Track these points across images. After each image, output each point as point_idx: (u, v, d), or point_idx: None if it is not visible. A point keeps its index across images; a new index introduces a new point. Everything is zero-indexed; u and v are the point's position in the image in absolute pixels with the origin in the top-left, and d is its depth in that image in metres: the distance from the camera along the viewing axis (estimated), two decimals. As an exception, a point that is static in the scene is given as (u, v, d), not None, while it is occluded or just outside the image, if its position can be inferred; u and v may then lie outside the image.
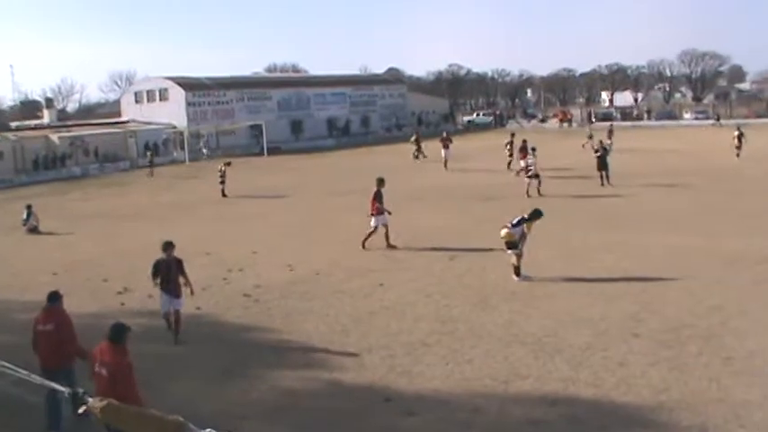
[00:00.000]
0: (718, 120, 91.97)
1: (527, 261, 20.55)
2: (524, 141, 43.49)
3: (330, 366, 14.82)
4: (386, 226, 25.55)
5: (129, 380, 10.18)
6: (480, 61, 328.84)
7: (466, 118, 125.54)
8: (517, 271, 20.37)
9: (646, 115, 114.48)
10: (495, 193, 36.38)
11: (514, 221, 20.45)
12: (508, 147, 49.12)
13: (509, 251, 20.44)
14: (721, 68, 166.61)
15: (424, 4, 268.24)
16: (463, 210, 32.93)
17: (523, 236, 20.41)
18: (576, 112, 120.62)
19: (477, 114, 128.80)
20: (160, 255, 16.74)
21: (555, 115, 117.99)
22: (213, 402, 13.15)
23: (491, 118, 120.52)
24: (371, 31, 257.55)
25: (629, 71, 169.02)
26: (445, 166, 50.14)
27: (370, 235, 25.57)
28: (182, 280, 16.70)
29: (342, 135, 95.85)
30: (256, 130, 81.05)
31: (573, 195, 36.10)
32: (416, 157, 58.61)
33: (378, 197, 25.54)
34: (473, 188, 39.92)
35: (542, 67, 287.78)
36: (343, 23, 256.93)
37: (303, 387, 13.95)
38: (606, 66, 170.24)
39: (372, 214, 25.58)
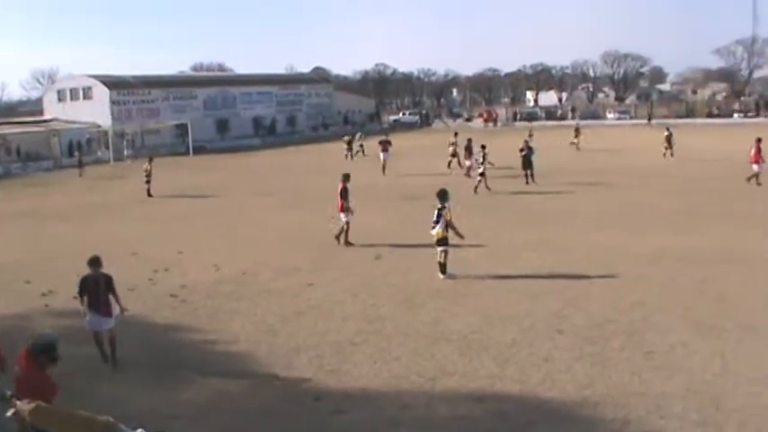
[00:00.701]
0: (649, 120, 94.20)
1: (452, 259, 20.73)
2: (469, 141, 43.84)
3: (258, 366, 14.80)
4: (347, 223, 25.64)
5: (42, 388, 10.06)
6: (406, 61, 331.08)
7: (392, 117, 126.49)
8: (443, 269, 20.53)
9: (570, 114, 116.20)
10: (422, 192, 36.41)
11: (434, 218, 20.61)
12: (452, 146, 49.36)
13: (439, 248, 20.58)
14: (643, 69, 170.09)
15: (350, 3, 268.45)
16: (390, 209, 33.06)
17: (449, 224, 20.55)
18: (501, 111, 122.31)
19: (403, 114, 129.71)
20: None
21: (480, 115, 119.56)
22: (142, 403, 13.04)
23: (417, 117, 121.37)
24: (298, 31, 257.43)
25: (553, 71, 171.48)
26: (383, 170, 47.96)
27: (345, 232, 25.62)
28: (112, 299, 15.17)
29: (268, 134, 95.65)
30: (182, 129, 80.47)
31: (499, 194, 36.48)
32: (351, 157, 58.65)
33: (344, 194, 25.60)
34: (402, 188, 40.06)
35: (468, 67, 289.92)
36: (270, 23, 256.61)
37: (232, 387, 13.92)
38: (531, 66, 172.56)
39: (341, 211, 25.62)
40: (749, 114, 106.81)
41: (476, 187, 36.98)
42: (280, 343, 16.01)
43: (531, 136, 59.38)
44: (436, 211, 20.58)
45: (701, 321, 16.07)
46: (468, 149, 42.99)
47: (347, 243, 25.55)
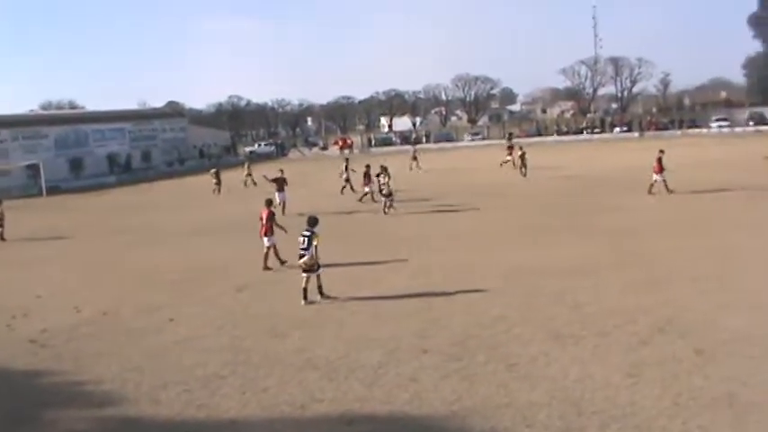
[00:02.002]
0: (510, 139, 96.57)
1: (313, 286, 20.82)
2: (367, 167, 44.62)
3: (125, 405, 14.53)
4: (274, 246, 26.06)
5: None
6: (260, 92, 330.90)
7: (248, 149, 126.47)
8: (305, 294, 20.65)
9: (424, 138, 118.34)
10: (284, 222, 36.55)
11: (304, 245, 20.68)
12: (344, 172, 49.87)
13: (306, 273, 20.65)
14: (493, 91, 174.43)
15: (200, 37, 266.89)
16: (248, 241, 32.84)
17: (316, 250, 20.71)
18: (356, 138, 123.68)
19: (259, 145, 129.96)
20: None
21: (335, 142, 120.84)
22: (3, 453, 12.73)
23: (273, 148, 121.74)
24: (149, 65, 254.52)
25: (406, 96, 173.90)
26: (283, 211, 38.88)
27: (267, 255, 25.96)
28: None
29: (123, 171, 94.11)
30: (33, 169, 78.34)
31: (356, 219, 36.77)
32: (219, 191, 57.98)
33: (271, 218, 26.05)
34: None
35: (322, 96, 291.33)
36: (120, 58, 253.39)
37: (98, 428, 13.65)
38: (384, 92, 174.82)
39: (265, 235, 25.97)
40: (596, 131, 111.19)
41: (384, 209, 38.29)
42: (146, 380, 15.76)
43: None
44: (305, 239, 20.67)
45: (559, 331, 16.62)
46: (367, 175, 43.61)
47: (280, 261, 25.90)
